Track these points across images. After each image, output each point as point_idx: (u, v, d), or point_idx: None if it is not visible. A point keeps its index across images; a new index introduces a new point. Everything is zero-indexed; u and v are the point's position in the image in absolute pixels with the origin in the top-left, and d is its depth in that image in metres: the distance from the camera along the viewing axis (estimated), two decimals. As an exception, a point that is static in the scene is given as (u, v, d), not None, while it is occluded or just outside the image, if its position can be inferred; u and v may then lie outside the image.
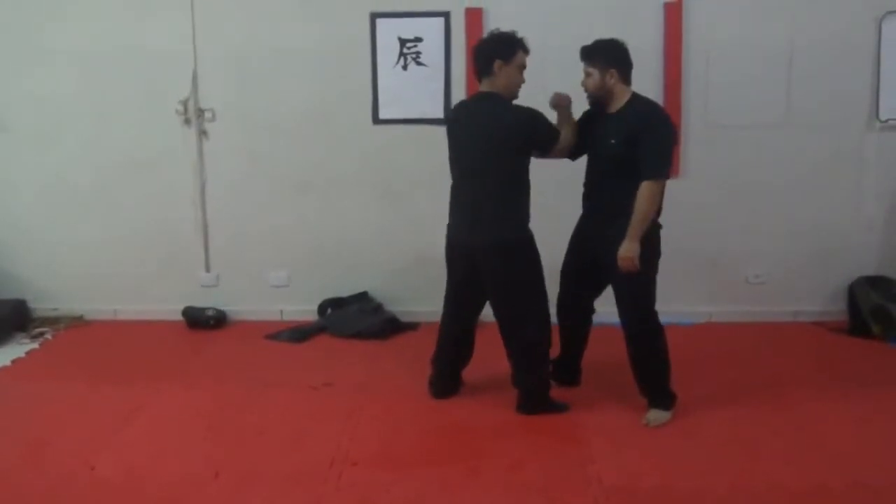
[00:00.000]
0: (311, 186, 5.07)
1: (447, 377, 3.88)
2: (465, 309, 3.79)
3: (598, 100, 3.57)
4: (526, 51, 3.57)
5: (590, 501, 2.91)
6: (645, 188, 3.35)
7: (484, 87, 3.57)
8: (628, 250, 3.38)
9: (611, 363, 4.29)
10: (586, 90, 3.57)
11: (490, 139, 3.49)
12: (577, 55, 4.85)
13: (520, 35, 3.58)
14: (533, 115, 3.49)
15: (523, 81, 3.60)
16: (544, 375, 3.71)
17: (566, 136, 3.62)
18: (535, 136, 3.52)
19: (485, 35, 3.65)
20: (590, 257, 3.66)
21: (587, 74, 3.54)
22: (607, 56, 3.49)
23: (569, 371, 3.97)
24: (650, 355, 3.59)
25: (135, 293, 5.25)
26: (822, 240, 5.01)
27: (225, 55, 4.99)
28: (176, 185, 5.13)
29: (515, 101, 3.57)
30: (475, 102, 3.63)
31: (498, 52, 3.50)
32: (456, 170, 3.64)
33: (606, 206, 3.57)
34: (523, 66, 3.56)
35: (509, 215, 3.54)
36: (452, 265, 3.74)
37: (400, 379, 4.08)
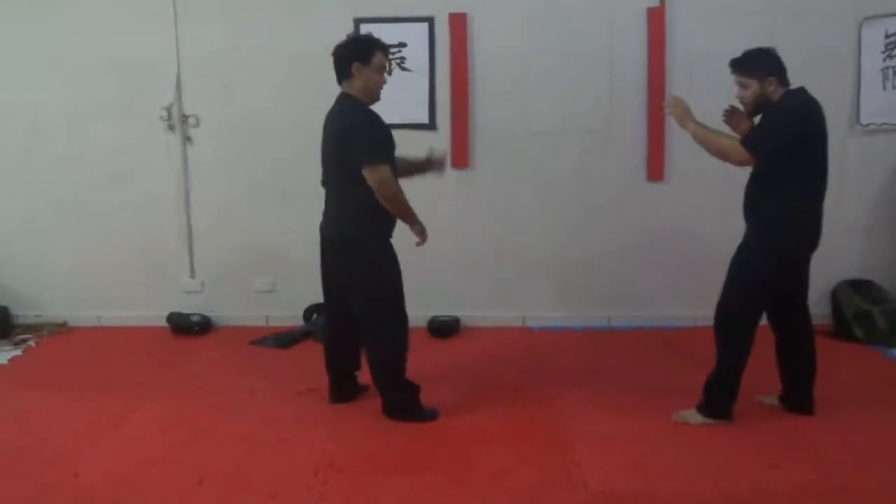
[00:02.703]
0: (295, 192, 5.03)
1: (336, 382, 3.88)
2: (333, 308, 3.80)
3: (759, 108, 3.49)
4: (385, 52, 3.56)
5: (575, 506, 2.92)
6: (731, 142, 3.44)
7: (343, 89, 3.56)
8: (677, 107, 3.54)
9: (601, 369, 4.33)
10: (743, 101, 3.51)
11: (330, 142, 3.54)
12: (560, 59, 4.92)
13: (377, 36, 3.59)
14: (356, 127, 3.44)
15: (384, 83, 3.58)
16: (403, 389, 3.67)
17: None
18: (351, 150, 3.43)
19: (343, 39, 3.63)
20: None
21: (744, 86, 3.47)
22: (764, 65, 3.44)
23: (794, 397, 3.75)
24: (719, 357, 3.57)
25: (119, 299, 5.23)
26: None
27: (208, 62, 4.98)
28: (160, 191, 5.12)
29: (373, 105, 3.56)
30: (334, 105, 3.60)
31: (355, 54, 3.48)
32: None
33: (745, 208, 3.61)
34: (383, 68, 3.54)
35: (350, 215, 3.52)
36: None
37: (386, 384, 4.07)
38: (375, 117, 3.52)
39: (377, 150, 3.41)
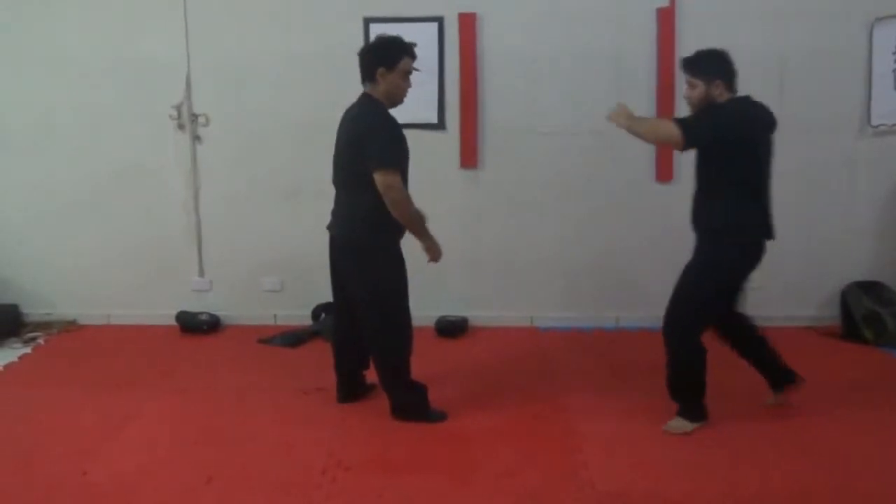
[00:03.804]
0: (304, 191, 5.05)
1: (343, 382, 3.88)
2: (340, 308, 3.80)
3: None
4: (412, 56, 3.52)
5: (582, 507, 2.91)
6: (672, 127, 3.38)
7: (366, 89, 3.53)
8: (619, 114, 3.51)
9: (609, 370, 4.31)
10: (690, 101, 3.50)
11: (345, 142, 3.52)
12: (569, 59, 4.91)
13: (407, 40, 3.52)
14: (372, 129, 3.41)
15: (408, 87, 3.55)
16: (409, 390, 3.66)
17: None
18: (365, 152, 3.40)
19: (371, 40, 3.59)
20: None
21: (692, 86, 3.45)
22: (713, 67, 3.44)
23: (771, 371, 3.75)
24: (675, 364, 3.57)
25: (128, 298, 5.25)
26: (814, 245, 5.02)
27: (218, 61, 4.99)
28: (169, 189, 5.13)
29: (394, 109, 3.54)
30: (354, 106, 3.57)
31: (380, 59, 3.46)
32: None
33: (692, 220, 3.60)
34: (408, 73, 3.51)
35: (359, 217, 3.50)
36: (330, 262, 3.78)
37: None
38: (394, 122, 3.50)
39: (390, 154, 3.39)
